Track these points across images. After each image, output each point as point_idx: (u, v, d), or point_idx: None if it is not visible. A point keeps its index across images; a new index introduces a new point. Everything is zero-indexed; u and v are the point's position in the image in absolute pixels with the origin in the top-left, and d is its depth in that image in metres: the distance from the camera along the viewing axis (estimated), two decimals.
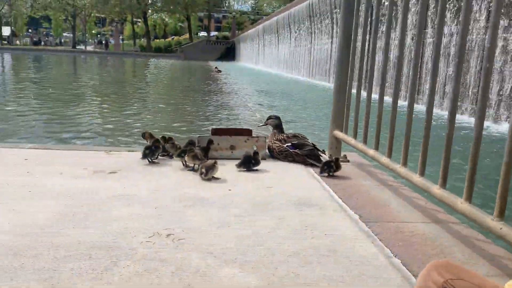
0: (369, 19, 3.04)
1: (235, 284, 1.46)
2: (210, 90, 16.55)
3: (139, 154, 3.19)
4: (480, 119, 1.60)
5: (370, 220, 2.11)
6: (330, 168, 2.84)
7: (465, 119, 9.72)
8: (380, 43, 2.70)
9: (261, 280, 1.49)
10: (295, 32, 29.27)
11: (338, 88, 3.23)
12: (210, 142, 3.12)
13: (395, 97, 2.37)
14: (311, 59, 25.10)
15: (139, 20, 74.85)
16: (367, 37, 2.87)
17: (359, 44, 2.93)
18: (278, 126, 3.43)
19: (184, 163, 2.95)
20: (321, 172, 2.86)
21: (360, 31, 2.92)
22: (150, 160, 3.02)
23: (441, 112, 10.26)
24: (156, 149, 3.05)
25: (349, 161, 3.28)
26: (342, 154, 3.34)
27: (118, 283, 1.43)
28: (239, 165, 2.88)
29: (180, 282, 1.45)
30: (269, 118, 3.54)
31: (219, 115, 9.80)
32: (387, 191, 2.59)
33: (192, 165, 2.90)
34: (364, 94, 2.84)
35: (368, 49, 2.86)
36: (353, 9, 2.99)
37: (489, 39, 1.55)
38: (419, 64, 1.94)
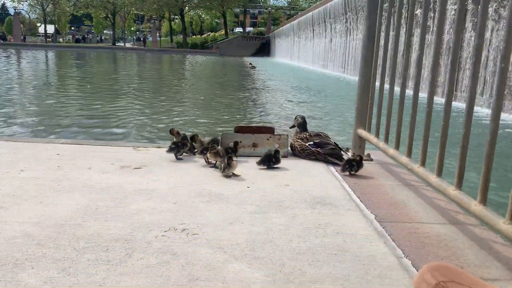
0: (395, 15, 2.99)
1: (241, 279, 1.51)
2: (243, 87, 16.66)
3: (165, 151, 3.30)
4: (495, 120, 1.57)
5: (386, 220, 2.10)
6: (352, 167, 2.83)
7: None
8: (403, 40, 2.66)
9: (267, 276, 1.53)
10: (330, 28, 28.92)
11: (362, 85, 3.21)
12: (236, 144, 3.18)
13: (415, 95, 2.34)
14: (346, 55, 24.76)
15: (177, 17, 76.03)
16: (391, 34, 2.84)
17: (383, 41, 2.90)
18: (301, 125, 3.44)
19: (206, 160, 3.02)
20: (342, 170, 2.85)
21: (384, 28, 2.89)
22: (175, 155, 3.10)
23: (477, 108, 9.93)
24: (182, 146, 3.13)
25: (373, 160, 3.25)
26: (366, 152, 3.32)
27: (130, 274, 1.51)
28: (259, 163, 2.92)
29: (188, 275, 1.51)
30: (296, 117, 3.57)
31: (249, 111, 9.87)
32: (407, 191, 2.56)
33: (214, 162, 2.97)
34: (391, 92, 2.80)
35: (390, 46, 2.82)
36: (377, 5, 2.97)
37: (505, 38, 1.51)
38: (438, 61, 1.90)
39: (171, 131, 3.52)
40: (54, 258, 1.60)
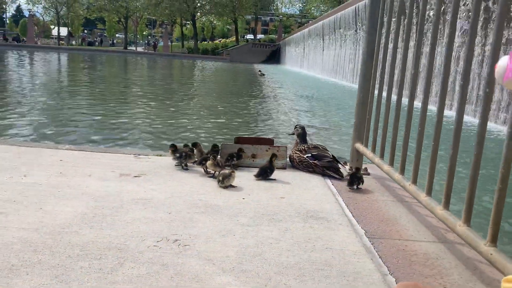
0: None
1: None
2: (250, 94, 16.75)
3: (166, 159, 3.37)
4: (479, 144, 1.60)
5: (375, 236, 2.14)
6: (359, 180, 2.87)
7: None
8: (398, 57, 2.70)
9: None
10: (340, 37, 28.99)
11: (360, 100, 3.25)
12: (240, 150, 3.24)
13: (409, 113, 2.38)
14: (355, 65, 24.77)
15: (188, 22, 76.62)
16: (389, 52, 2.88)
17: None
18: (300, 135, 3.50)
19: (205, 170, 3.08)
20: (351, 185, 2.88)
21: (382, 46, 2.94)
22: (182, 166, 3.15)
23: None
24: (185, 157, 3.16)
25: (370, 174, 3.29)
26: (363, 166, 3.36)
27: (120, 283, 1.56)
28: (256, 176, 2.98)
29: (176, 286, 1.56)
30: (295, 127, 3.63)
31: (254, 119, 9.93)
32: (400, 207, 2.59)
33: (213, 172, 3.02)
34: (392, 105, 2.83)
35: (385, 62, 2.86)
36: (377, 23, 3.02)
37: (490, 65, 1.55)
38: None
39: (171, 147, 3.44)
40: (49, 265, 1.66)
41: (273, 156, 3.03)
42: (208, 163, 3.00)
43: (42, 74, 20.58)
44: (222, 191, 2.69)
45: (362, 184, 2.90)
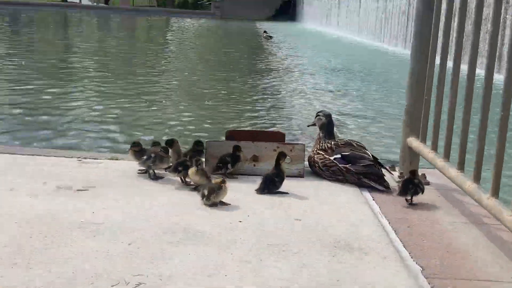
0: None
1: None
2: (252, 68, 16.78)
3: (125, 164, 3.40)
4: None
5: (438, 275, 2.17)
6: (416, 188, 2.92)
7: None
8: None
9: None
10: None
11: (415, 73, 3.26)
12: (237, 149, 3.24)
13: (487, 93, 2.39)
14: (408, 24, 24.78)
15: None
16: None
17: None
18: (325, 127, 3.50)
19: (182, 179, 3.09)
20: (404, 194, 2.94)
21: None
22: (150, 173, 3.18)
23: None
24: (155, 160, 3.15)
25: (430, 183, 3.30)
26: (420, 173, 3.37)
27: None
28: (259, 191, 3.00)
29: None
30: (317, 115, 3.64)
31: (258, 105, 9.94)
32: (475, 232, 2.61)
33: (195, 184, 3.04)
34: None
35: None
36: None
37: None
38: None
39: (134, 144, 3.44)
40: None
41: (281, 156, 3.02)
42: (191, 171, 2.99)
43: None
44: (209, 211, 2.71)
45: (422, 193, 2.92)
